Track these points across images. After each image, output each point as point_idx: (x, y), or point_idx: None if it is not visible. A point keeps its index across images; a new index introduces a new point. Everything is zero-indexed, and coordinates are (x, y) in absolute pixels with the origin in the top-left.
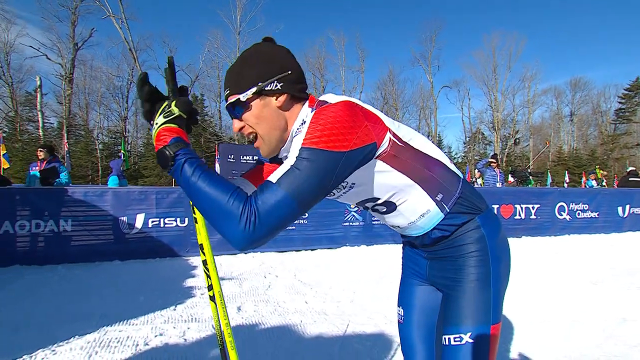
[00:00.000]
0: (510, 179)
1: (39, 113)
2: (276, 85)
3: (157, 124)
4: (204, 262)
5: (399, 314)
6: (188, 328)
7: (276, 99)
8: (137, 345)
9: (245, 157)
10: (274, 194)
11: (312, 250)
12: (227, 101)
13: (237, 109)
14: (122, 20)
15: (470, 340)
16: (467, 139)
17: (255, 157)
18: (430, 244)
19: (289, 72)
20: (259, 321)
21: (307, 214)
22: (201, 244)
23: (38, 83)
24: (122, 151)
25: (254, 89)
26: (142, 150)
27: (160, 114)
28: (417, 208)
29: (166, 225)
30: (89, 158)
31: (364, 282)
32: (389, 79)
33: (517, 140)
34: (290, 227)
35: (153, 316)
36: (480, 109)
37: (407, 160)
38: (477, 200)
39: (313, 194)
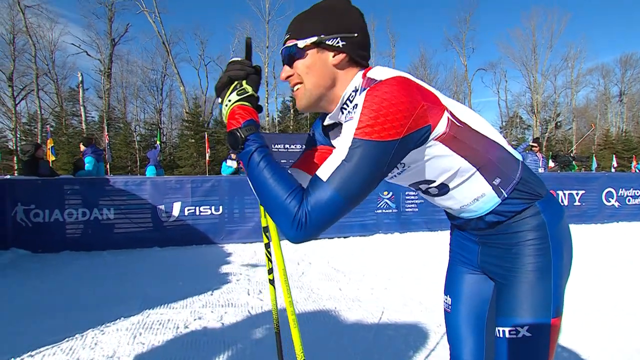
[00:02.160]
0: (551, 164)
1: (82, 108)
2: (338, 42)
3: (229, 100)
4: (267, 245)
5: (445, 302)
6: (225, 312)
7: (334, 56)
8: (178, 327)
9: (277, 146)
10: (324, 193)
11: (344, 237)
12: (284, 45)
13: (292, 55)
14: (154, 14)
15: (528, 334)
16: (504, 123)
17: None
18: (483, 228)
19: (355, 34)
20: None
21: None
22: (266, 226)
23: (80, 79)
24: (158, 142)
25: (314, 39)
26: (176, 141)
27: (232, 91)
28: (472, 192)
29: (201, 214)
30: (128, 149)
31: (398, 269)
32: (420, 63)
33: (559, 124)
34: None
35: (191, 300)
36: (518, 91)
37: (465, 142)
38: (537, 186)
39: (364, 188)
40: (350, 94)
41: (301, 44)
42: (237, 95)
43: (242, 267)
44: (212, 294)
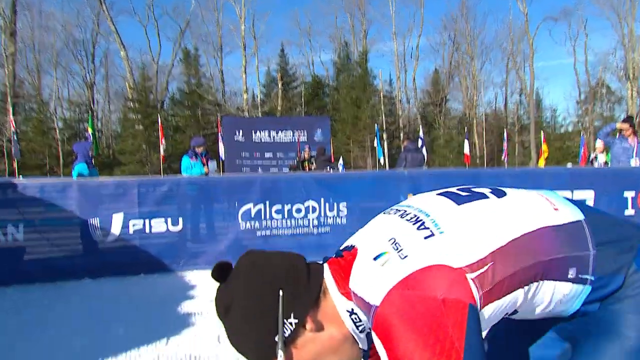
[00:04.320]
0: None
1: None
2: (292, 323)
3: None
4: None
5: None
6: None
7: (306, 329)
8: None
9: (259, 134)
10: None
11: None
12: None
13: None
14: None
15: None
16: (583, 95)
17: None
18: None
19: (279, 291)
20: None
21: (345, 212)
22: None
23: None
24: (89, 130)
25: (280, 352)
26: (117, 129)
27: None
28: (542, 302)
29: (153, 230)
30: (45, 140)
31: None
32: (460, 13)
33: None
34: (324, 229)
35: (137, 354)
36: (604, 50)
37: (503, 278)
38: (625, 237)
39: None
40: (355, 321)
41: None
42: None
43: (210, 304)
44: (167, 344)
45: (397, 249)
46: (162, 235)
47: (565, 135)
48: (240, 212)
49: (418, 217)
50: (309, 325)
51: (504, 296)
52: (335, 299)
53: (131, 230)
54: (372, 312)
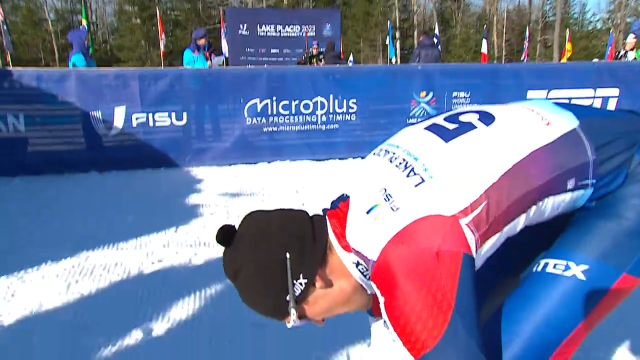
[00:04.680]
0: None
1: None
2: (301, 284)
3: None
4: None
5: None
6: (195, 254)
7: (315, 287)
8: (128, 273)
9: (265, 27)
10: None
11: (362, 158)
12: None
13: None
14: None
15: (581, 277)
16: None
17: (279, 27)
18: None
19: (286, 254)
20: None
21: (355, 109)
22: None
23: None
24: (83, 22)
25: (292, 310)
26: (113, 22)
27: None
28: (546, 214)
29: (157, 124)
30: (37, 33)
31: None
32: None
33: None
34: (333, 126)
35: (147, 239)
36: None
37: (503, 208)
38: (625, 133)
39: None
40: (362, 271)
41: (292, 322)
42: None
43: (218, 197)
44: (176, 231)
45: (389, 200)
46: (166, 130)
47: (592, 34)
48: (246, 107)
49: (407, 162)
50: (318, 283)
51: (502, 228)
52: (339, 254)
53: (134, 124)
54: (370, 265)
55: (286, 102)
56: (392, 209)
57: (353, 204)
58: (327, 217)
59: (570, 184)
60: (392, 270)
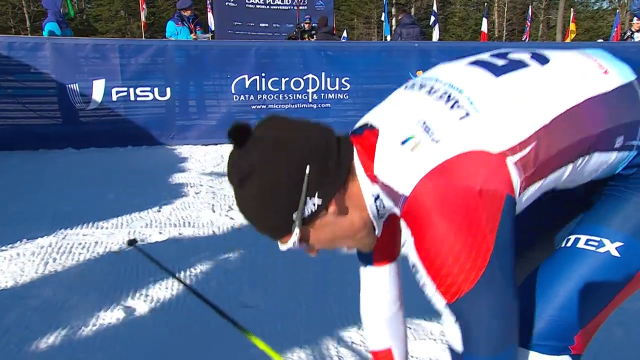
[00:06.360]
0: None
1: None
2: (314, 203)
3: None
4: None
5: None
6: (179, 234)
7: (328, 211)
8: (108, 251)
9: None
10: None
11: None
12: (282, 243)
13: (297, 248)
14: None
15: (615, 254)
16: None
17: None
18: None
19: (307, 168)
20: None
21: (348, 87)
22: None
23: None
24: None
25: (296, 230)
26: None
27: None
28: (587, 173)
29: (138, 99)
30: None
31: None
32: None
33: None
34: (324, 105)
35: (129, 218)
36: None
37: (551, 154)
38: None
39: (506, 323)
40: (379, 208)
41: (292, 243)
42: None
43: (203, 176)
44: (159, 211)
45: (428, 131)
46: (148, 105)
47: (598, 14)
48: (234, 83)
49: (450, 94)
50: (332, 207)
51: (547, 175)
52: (362, 183)
53: (114, 98)
54: (401, 201)
55: (276, 78)
56: (433, 141)
57: (383, 133)
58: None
59: (619, 142)
60: (428, 207)
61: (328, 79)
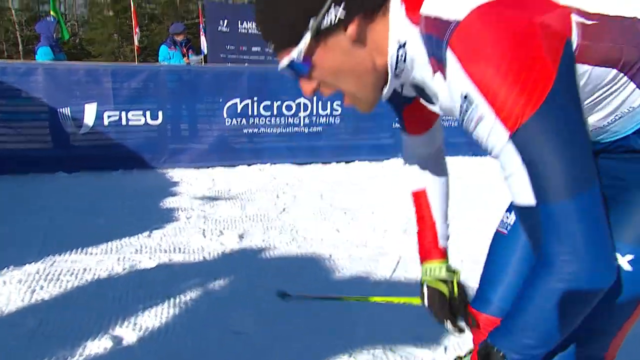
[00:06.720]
0: None
1: None
2: (336, 15)
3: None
4: None
5: (504, 221)
6: (170, 260)
7: (345, 32)
8: (99, 279)
9: (246, 24)
10: (559, 215)
11: (346, 162)
12: (278, 60)
13: (297, 67)
14: None
15: (628, 268)
16: None
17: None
18: (611, 150)
19: None
20: (269, 254)
21: (340, 111)
22: None
23: None
24: (51, 13)
25: (307, 36)
26: (84, 14)
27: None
28: (611, 108)
29: (130, 123)
30: (0, 23)
31: None
32: None
33: None
34: (316, 129)
35: (119, 244)
36: None
37: (602, 42)
38: None
39: (581, 156)
40: (399, 59)
41: (296, 54)
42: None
43: (194, 201)
44: (149, 236)
45: None
46: (140, 130)
47: None
48: (226, 107)
49: None
50: (351, 29)
51: (596, 65)
52: (393, 24)
53: (106, 123)
54: (449, 29)
55: (268, 102)
56: None
57: None
58: None
59: None
60: (484, 29)
61: (319, 103)
